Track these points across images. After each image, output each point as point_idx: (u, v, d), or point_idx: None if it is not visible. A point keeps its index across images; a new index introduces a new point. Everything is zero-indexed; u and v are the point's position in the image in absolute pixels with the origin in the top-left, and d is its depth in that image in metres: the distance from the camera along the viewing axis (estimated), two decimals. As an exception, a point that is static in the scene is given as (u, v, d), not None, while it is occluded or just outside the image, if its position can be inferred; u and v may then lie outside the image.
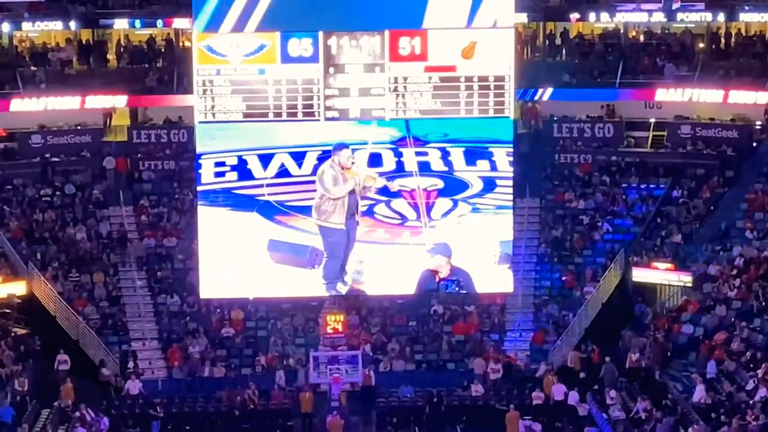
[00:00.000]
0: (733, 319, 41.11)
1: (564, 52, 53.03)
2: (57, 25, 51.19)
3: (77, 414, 38.65)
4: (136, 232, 47.81)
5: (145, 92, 50.26)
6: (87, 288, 45.71)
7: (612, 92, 50.43)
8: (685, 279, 43.96)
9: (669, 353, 41.62)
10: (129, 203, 48.83)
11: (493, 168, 38.92)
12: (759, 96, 47.97)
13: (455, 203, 38.96)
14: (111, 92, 49.40)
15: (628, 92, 50.27)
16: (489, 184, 38.98)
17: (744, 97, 48.21)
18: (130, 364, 42.74)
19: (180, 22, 50.52)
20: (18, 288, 43.48)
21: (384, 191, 38.71)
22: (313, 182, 38.36)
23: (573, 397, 40.14)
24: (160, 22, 51.39)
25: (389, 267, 39.10)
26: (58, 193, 48.70)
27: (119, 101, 49.78)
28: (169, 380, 43.04)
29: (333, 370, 40.18)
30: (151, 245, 47.35)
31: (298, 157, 38.53)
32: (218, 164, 38.59)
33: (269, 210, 38.70)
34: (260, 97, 38.14)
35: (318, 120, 38.09)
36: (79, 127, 50.54)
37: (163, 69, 51.13)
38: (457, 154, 38.76)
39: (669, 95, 49.13)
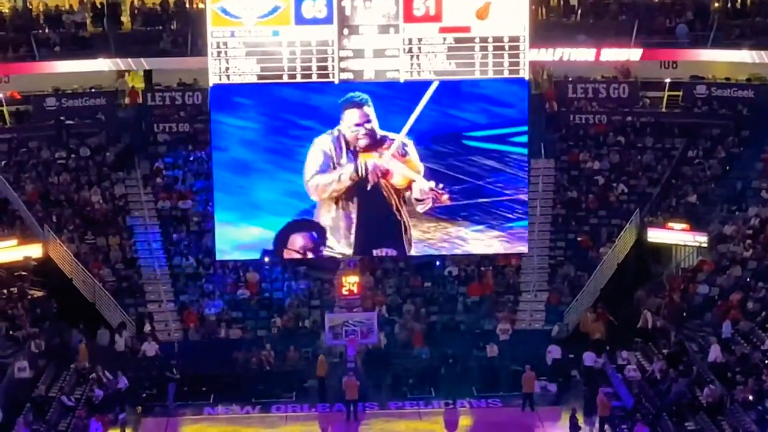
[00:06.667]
0: (748, 280, 41.06)
1: (579, 12, 52.75)
2: (70, -13, 51.16)
3: (93, 375, 38.96)
4: (151, 194, 47.89)
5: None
6: (103, 250, 45.80)
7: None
8: (701, 239, 43.86)
9: (684, 313, 41.66)
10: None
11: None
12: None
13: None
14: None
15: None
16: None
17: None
18: (147, 327, 42.88)
19: (193, -16, 50.57)
20: (34, 251, 43.56)
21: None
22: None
23: (589, 358, 40.24)
24: (173, -16, 51.38)
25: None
26: (73, 155, 48.69)
27: None
28: (185, 342, 43.17)
29: (348, 331, 40.34)
30: (167, 207, 47.44)
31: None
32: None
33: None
34: (274, 58, 38.10)
35: (332, 81, 38.13)
36: (93, 90, 50.52)
37: (177, 31, 50.99)
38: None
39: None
